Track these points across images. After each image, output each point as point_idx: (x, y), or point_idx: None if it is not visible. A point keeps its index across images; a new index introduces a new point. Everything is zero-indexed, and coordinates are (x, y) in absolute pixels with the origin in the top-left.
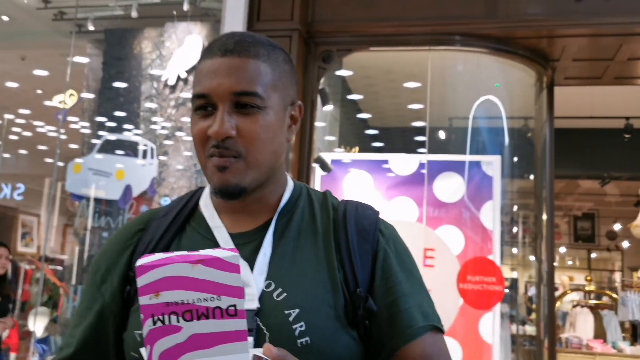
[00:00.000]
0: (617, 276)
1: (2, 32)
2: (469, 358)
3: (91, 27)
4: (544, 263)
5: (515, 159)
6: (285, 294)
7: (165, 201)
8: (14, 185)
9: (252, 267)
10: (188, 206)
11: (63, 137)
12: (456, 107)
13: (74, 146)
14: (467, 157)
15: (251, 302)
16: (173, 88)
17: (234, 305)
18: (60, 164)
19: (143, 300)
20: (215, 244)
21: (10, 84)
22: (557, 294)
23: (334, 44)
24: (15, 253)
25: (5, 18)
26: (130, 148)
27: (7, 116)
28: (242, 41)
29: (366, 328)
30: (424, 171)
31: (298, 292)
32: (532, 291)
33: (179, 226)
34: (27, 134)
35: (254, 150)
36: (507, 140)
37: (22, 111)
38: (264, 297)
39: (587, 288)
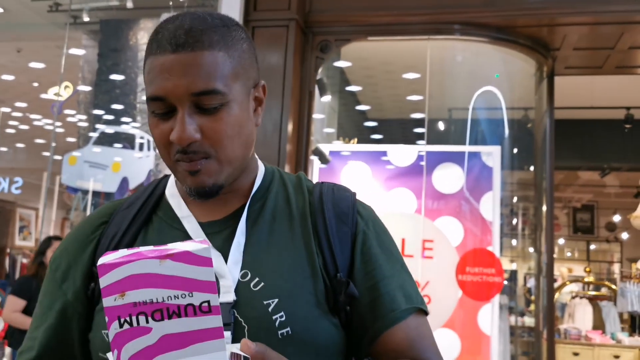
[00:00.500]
0: (616, 267)
1: None
2: (467, 349)
3: (86, 18)
4: (543, 254)
5: (515, 150)
6: (262, 284)
7: None
8: (12, 179)
9: (225, 257)
10: (154, 196)
11: (60, 130)
12: (455, 98)
13: (71, 139)
14: (466, 148)
15: (227, 295)
16: None
17: (208, 301)
18: (58, 157)
19: (107, 301)
20: (184, 235)
21: (6, 77)
22: (556, 285)
23: (332, 34)
24: (13, 247)
25: (0, 10)
26: (127, 140)
27: (4, 109)
28: (192, 30)
29: (347, 314)
30: (423, 163)
31: (276, 280)
32: (531, 282)
33: (145, 217)
34: (24, 127)
35: (224, 148)
36: (507, 131)
37: (18, 104)
38: (240, 288)
39: (586, 279)
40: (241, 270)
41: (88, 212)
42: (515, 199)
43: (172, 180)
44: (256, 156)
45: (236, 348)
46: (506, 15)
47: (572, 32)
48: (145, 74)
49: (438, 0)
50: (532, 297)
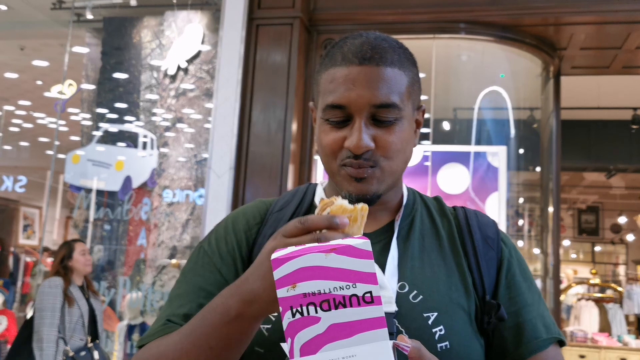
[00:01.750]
0: (622, 269)
1: (0, 22)
2: None
3: (90, 16)
4: (549, 256)
5: (521, 150)
6: (421, 296)
7: (167, 193)
8: (16, 177)
9: (382, 269)
10: (304, 202)
11: (64, 129)
12: (461, 98)
13: (75, 138)
14: (472, 148)
15: (389, 305)
16: (173, 78)
17: (370, 292)
18: (61, 156)
19: (280, 292)
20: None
21: (10, 75)
22: (561, 287)
23: (336, 32)
24: (17, 245)
25: (3, 7)
26: (131, 139)
27: (7, 107)
28: (377, 47)
29: (488, 336)
30: (428, 163)
31: (434, 295)
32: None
33: None
34: (28, 125)
35: (391, 160)
36: (512, 131)
37: (22, 102)
38: (399, 299)
39: (592, 281)
40: (398, 282)
41: (92, 211)
42: (521, 200)
43: (320, 188)
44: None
45: (400, 343)
46: (512, 14)
47: (578, 31)
48: (323, 83)
49: None
50: None
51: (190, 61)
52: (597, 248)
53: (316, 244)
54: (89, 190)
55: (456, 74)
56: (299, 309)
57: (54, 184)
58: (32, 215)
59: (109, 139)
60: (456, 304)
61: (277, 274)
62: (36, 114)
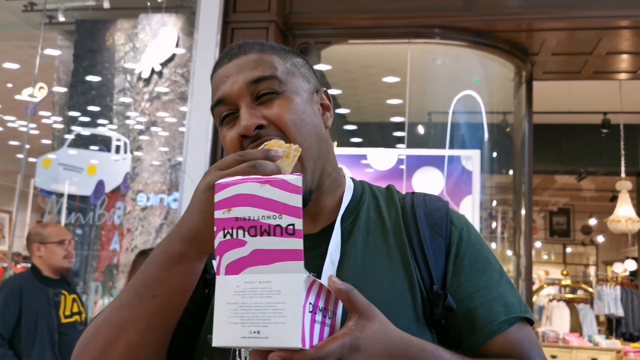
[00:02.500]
0: (592, 270)
1: None
2: None
3: (62, 18)
4: (522, 258)
5: (495, 154)
6: None
7: (141, 197)
8: None
9: (319, 276)
10: None
11: (35, 132)
12: (435, 102)
13: (46, 141)
14: (446, 152)
15: None
16: (147, 81)
17: (293, 225)
18: (32, 159)
19: (217, 214)
20: None
21: None
22: (533, 288)
23: (312, 37)
24: None
25: None
26: (104, 143)
27: None
28: (245, 43)
29: (442, 327)
30: (403, 166)
31: (374, 294)
32: None
33: None
34: None
35: (292, 133)
36: (486, 135)
37: None
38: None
39: (563, 282)
40: None
41: (63, 216)
42: (494, 203)
43: None
44: (343, 172)
45: (324, 283)
46: (485, 19)
47: (550, 37)
48: (212, 93)
49: (418, 4)
50: None
51: (164, 64)
52: (568, 249)
53: (255, 176)
54: (60, 195)
55: (431, 78)
56: (230, 231)
57: (24, 188)
58: (2, 220)
59: (81, 142)
60: (399, 300)
61: (217, 197)
62: (6, 117)
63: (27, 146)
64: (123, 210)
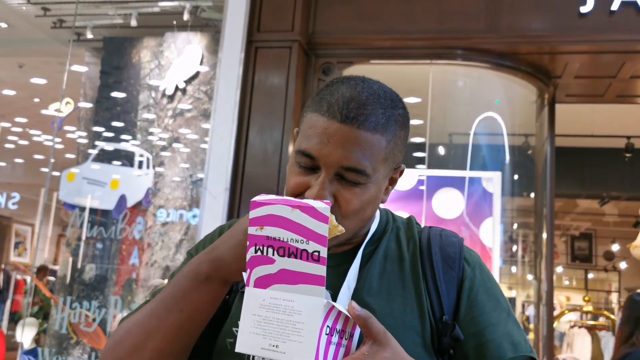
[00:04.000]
0: (614, 297)
1: (0, 39)
2: None
3: (90, 35)
4: (543, 282)
5: (516, 176)
6: None
7: (161, 213)
8: (9, 194)
9: (337, 292)
10: None
11: (60, 146)
12: (456, 123)
13: (70, 156)
14: (467, 173)
15: None
16: (171, 98)
17: (318, 252)
18: (56, 173)
19: (251, 230)
20: None
21: (7, 92)
22: (555, 313)
23: (335, 56)
24: (7, 262)
25: (3, 25)
26: (127, 158)
27: (4, 124)
28: (364, 106)
29: (450, 357)
30: (423, 187)
31: (386, 318)
32: (529, 311)
33: None
34: (24, 142)
35: (348, 220)
36: (507, 157)
37: (18, 119)
38: None
39: (585, 309)
40: None
41: (85, 229)
42: (515, 226)
43: None
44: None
45: (342, 308)
46: (508, 42)
47: (573, 60)
48: (305, 123)
49: (441, 25)
50: (531, 326)
51: (188, 82)
52: (590, 275)
53: (289, 198)
54: (82, 209)
55: (452, 99)
56: (261, 247)
57: (47, 202)
58: (24, 233)
59: (105, 157)
60: (409, 326)
61: (252, 214)
62: (32, 131)
63: (52, 160)
64: (143, 225)
